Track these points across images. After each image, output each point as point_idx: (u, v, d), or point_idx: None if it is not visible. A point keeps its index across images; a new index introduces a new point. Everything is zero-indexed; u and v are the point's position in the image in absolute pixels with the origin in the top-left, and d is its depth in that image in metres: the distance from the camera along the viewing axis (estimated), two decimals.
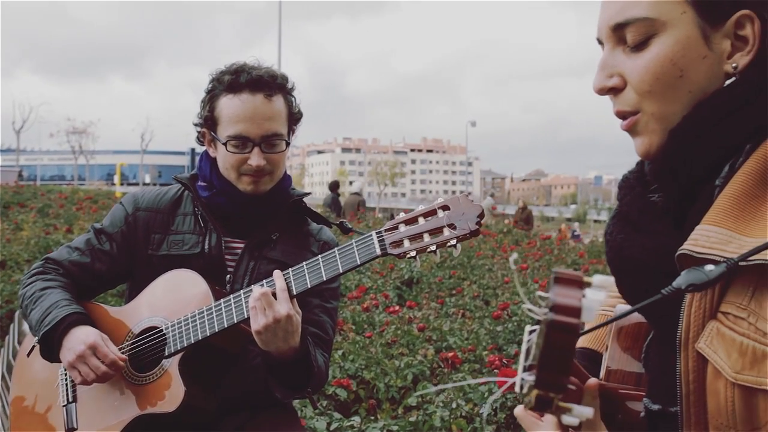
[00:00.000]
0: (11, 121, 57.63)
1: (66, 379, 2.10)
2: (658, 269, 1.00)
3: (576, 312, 0.74)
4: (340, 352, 4.47)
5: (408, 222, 1.72)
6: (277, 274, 1.86)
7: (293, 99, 2.15)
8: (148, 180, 66.10)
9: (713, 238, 0.94)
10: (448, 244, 1.64)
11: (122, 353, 1.99)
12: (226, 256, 2.11)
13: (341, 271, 1.79)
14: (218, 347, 1.92)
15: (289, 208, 2.20)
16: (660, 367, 1.05)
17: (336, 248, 1.81)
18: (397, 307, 5.17)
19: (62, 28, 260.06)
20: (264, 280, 1.88)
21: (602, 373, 1.26)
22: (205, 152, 2.18)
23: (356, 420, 3.49)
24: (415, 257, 1.68)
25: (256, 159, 2.03)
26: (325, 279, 1.81)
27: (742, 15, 1.02)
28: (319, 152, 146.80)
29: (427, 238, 1.67)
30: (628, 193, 1.18)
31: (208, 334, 1.90)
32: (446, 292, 8.01)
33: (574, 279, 0.77)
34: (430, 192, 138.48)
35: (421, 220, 1.70)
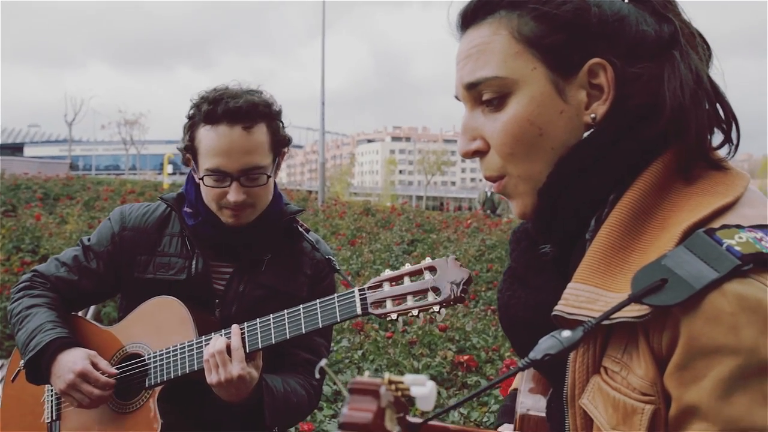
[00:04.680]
0: (63, 113, 58.67)
1: (52, 396, 2.12)
2: (542, 326, 0.97)
3: (364, 427, 0.71)
4: (360, 353, 4.48)
5: (393, 280, 1.70)
6: (235, 330, 1.85)
7: (279, 124, 2.05)
8: None
9: (582, 297, 0.91)
10: (431, 309, 1.61)
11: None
12: (215, 280, 2.07)
13: (320, 326, 1.77)
14: (198, 380, 1.90)
15: (282, 226, 2.15)
16: (558, 422, 1.03)
17: (318, 301, 1.79)
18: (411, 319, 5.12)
19: (136, 19, 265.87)
20: (223, 330, 1.88)
21: (516, 419, 1.24)
22: (191, 175, 2.11)
23: None
24: (396, 319, 1.66)
25: (233, 194, 1.95)
26: (288, 338, 1.81)
27: (594, 63, 0.99)
28: (369, 141, 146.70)
29: (410, 300, 1.64)
30: (515, 248, 1.16)
31: (188, 372, 1.90)
32: (483, 286, 7.97)
33: (369, 388, 0.73)
34: (480, 180, 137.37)
35: (406, 279, 1.68)
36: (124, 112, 74.14)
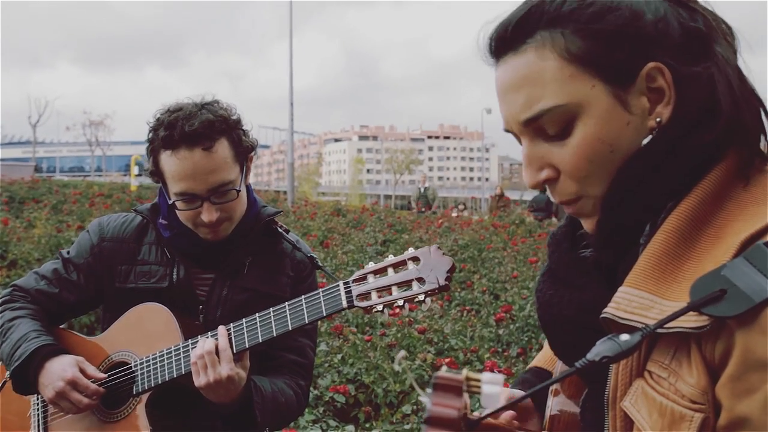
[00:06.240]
0: (27, 115, 57.96)
1: (38, 409, 2.09)
2: (586, 325, 0.97)
3: (451, 423, 0.71)
4: (339, 356, 4.47)
5: (377, 272, 1.69)
6: (221, 331, 1.83)
7: (240, 133, 2.01)
8: None
9: (635, 302, 0.91)
10: (416, 299, 1.61)
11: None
12: (197, 287, 2.07)
13: (306, 322, 1.76)
14: (186, 385, 1.88)
15: (260, 230, 2.13)
16: (594, 425, 1.03)
17: (303, 297, 1.77)
18: (397, 310, 5.12)
19: (104, 18, 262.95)
20: (210, 332, 1.86)
21: (546, 420, 1.25)
22: (162, 188, 2.06)
23: (350, 428, 3.50)
24: (382, 311, 1.66)
25: (207, 215, 1.94)
26: (275, 335, 1.79)
27: (650, 68, 0.97)
28: (336, 140, 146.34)
29: (395, 291, 1.64)
30: (555, 250, 1.15)
31: (175, 376, 1.88)
32: (456, 286, 7.99)
33: (453, 384, 0.73)
34: (448, 179, 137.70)
35: (390, 271, 1.68)
36: (89, 113, 73.29)
